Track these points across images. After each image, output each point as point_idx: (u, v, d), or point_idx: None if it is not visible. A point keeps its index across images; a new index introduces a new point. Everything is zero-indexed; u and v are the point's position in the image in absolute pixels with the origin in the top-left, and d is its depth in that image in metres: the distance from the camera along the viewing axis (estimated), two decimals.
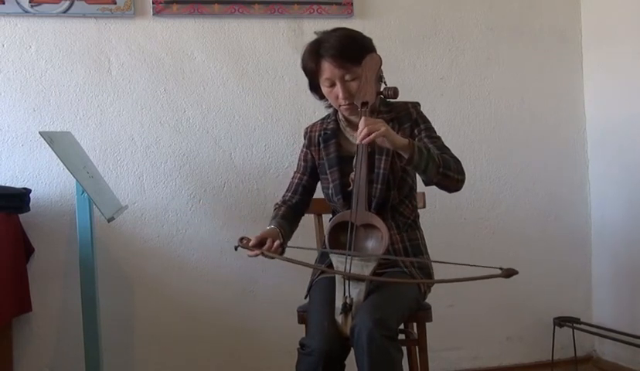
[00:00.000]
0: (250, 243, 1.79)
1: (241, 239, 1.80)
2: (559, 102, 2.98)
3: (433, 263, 1.99)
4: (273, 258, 1.79)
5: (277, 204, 2.06)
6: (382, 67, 1.88)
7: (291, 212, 2.02)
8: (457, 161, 1.83)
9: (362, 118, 1.70)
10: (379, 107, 1.95)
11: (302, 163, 2.08)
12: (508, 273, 1.52)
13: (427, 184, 1.82)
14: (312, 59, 1.90)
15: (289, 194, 2.06)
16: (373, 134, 1.64)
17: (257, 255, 1.78)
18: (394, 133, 1.71)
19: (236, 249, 1.80)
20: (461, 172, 1.82)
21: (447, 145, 1.90)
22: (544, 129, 2.96)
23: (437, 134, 1.94)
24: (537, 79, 2.96)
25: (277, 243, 1.79)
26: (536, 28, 2.96)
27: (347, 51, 1.85)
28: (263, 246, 1.79)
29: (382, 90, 1.90)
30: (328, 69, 1.87)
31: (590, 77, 2.97)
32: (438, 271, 2.00)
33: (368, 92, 1.81)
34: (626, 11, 2.73)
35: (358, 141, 1.70)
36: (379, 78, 1.88)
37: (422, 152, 1.70)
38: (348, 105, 1.89)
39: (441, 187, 1.82)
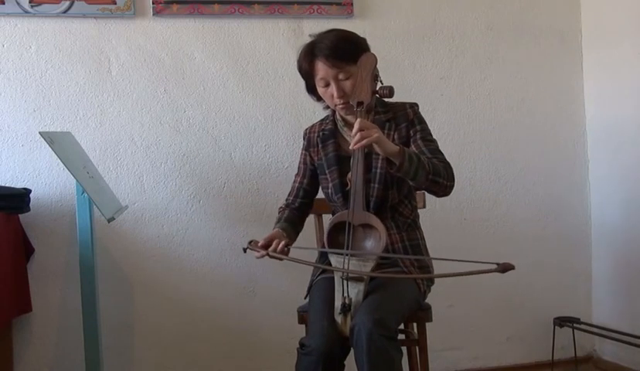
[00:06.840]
0: (259, 245, 1.83)
1: (250, 241, 1.86)
2: (559, 102, 2.98)
3: (434, 263, 1.99)
4: (278, 259, 1.82)
5: (281, 207, 2.11)
6: (379, 66, 1.88)
7: (294, 215, 2.06)
8: (448, 167, 1.83)
9: (357, 121, 1.68)
10: (375, 107, 1.96)
11: (302, 166, 2.11)
12: (505, 267, 1.46)
13: (416, 189, 1.87)
14: (306, 60, 1.92)
15: (291, 198, 2.11)
16: (365, 141, 1.64)
17: (262, 256, 1.82)
18: (386, 139, 1.70)
19: (245, 251, 1.85)
20: (451, 178, 1.82)
21: (441, 149, 1.90)
22: (544, 129, 2.96)
23: (433, 136, 1.94)
24: (537, 80, 2.96)
25: (282, 244, 1.83)
26: (536, 28, 2.95)
27: (339, 50, 1.86)
28: (269, 247, 1.83)
29: (377, 88, 1.90)
30: (321, 68, 1.88)
31: (590, 77, 2.97)
32: (437, 270, 2.00)
33: (363, 91, 1.82)
34: (626, 12, 2.73)
35: (351, 147, 1.69)
36: (375, 77, 1.88)
37: (412, 160, 1.70)
38: (343, 104, 1.89)
39: (430, 192, 1.83)
